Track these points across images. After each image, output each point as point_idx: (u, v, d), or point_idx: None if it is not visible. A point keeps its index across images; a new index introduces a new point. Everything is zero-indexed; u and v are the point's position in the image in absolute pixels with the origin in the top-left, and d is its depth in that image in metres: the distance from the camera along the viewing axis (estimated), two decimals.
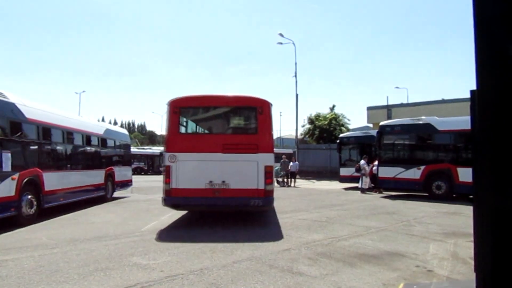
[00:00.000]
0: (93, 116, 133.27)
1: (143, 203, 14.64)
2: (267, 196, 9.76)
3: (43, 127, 11.23)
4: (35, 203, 10.48)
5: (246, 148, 10.06)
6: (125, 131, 19.45)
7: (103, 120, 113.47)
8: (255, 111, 10.33)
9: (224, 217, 10.65)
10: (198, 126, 11.24)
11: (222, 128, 10.87)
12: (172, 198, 9.79)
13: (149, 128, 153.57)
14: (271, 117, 10.16)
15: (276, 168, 24.28)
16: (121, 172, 17.45)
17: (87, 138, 14.30)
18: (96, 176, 14.83)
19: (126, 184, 18.21)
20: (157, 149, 49.75)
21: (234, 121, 11.14)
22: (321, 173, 33.24)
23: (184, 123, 10.72)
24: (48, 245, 7.61)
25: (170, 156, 9.97)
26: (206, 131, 11.04)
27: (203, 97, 10.63)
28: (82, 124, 14.19)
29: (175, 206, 9.94)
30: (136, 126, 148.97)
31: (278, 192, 17.03)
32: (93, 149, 14.88)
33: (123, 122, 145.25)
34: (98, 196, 14.94)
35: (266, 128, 10.20)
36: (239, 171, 9.92)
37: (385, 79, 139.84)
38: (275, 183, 18.00)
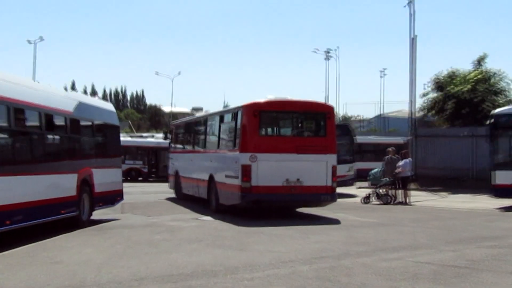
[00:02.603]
0: (56, 82, 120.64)
1: (142, 231, 13.62)
2: (334, 192, 15.50)
3: None
4: None
5: (317, 149, 15.42)
6: (109, 106, 18.39)
7: (73, 87, 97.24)
8: (324, 116, 15.85)
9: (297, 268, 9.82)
10: (274, 129, 16.92)
11: (295, 130, 16.50)
12: (253, 195, 14.75)
13: (150, 100, 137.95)
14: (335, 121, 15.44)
15: (375, 170, 22.31)
16: (105, 177, 16.31)
17: (47, 118, 13.19)
18: (62, 184, 13.62)
19: (113, 197, 17.18)
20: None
21: (306, 125, 16.78)
22: (458, 180, 28.51)
23: (263, 126, 15.98)
24: None
25: (251, 156, 14.82)
26: (281, 134, 16.75)
27: (279, 102, 16.15)
28: (38, 96, 12.97)
29: (256, 202, 15.05)
30: (128, 98, 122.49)
31: (378, 214, 17.56)
32: (56, 137, 13.96)
33: (107, 91, 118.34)
34: (67, 217, 13.84)
35: (332, 131, 15.77)
36: (311, 170, 15.21)
37: None
38: (372, 198, 21.04)
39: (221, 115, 18.22)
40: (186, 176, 21.44)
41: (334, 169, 15.37)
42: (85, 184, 14.84)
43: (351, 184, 25.74)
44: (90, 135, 15.84)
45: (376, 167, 22.67)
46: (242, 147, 15.10)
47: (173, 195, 23.23)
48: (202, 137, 20.59)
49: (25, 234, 12.32)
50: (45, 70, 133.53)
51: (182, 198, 21.82)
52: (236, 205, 15.81)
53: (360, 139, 33.62)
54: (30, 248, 11.14)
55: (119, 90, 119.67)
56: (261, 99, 16.22)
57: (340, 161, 25.58)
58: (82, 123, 15.18)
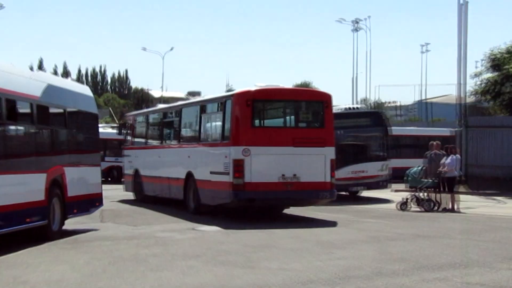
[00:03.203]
0: (19, 60, 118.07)
1: (126, 244, 13.66)
2: (333, 188, 17.01)
3: None
4: None
5: (315, 142, 16.87)
6: (86, 90, 18.56)
7: (40, 67, 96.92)
8: (322, 106, 17.34)
9: None
10: (269, 120, 18.13)
11: (292, 121, 17.99)
12: (246, 193, 15.93)
13: (136, 83, 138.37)
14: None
15: (414, 169, 22.29)
16: (80, 178, 16.68)
17: (7, 105, 13.12)
18: (26, 187, 13.78)
19: (90, 203, 17.35)
20: None
21: (303, 115, 18.24)
22: None
23: (256, 116, 17.20)
24: None
25: (244, 150, 16.01)
26: (276, 125, 17.94)
27: (273, 90, 17.93)
28: None
29: (250, 201, 16.37)
30: (108, 80, 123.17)
31: (418, 223, 17.56)
32: (19, 128, 14.01)
33: (82, 71, 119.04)
34: (33, 227, 13.98)
35: (331, 122, 17.33)
36: (309, 165, 16.66)
37: None
38: (411, 204, 21.12)
39: (202, 105, 19.18)
40: (151, 175, 22.06)
41: (332, 163, 17.05)
42: (56, 186, 14.88)
43: (385, 187, 25.85)
44: (61, 126, 15.86)
45: (415, 165, 22.69)
46: (234, 140, 16.35)
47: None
48: (175, 130, 21.34)
49: None
50: (4, 45, 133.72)
51: (145, 201, 22.58)
52: (225, 205, 17.04)
53: (396, 130, 33.57)
54: None
55: (97, 70, 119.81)
56: (252, 87, 17.78)
57: (370, 158, 25.80)
58: (52, 110, 15.23)
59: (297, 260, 11.05)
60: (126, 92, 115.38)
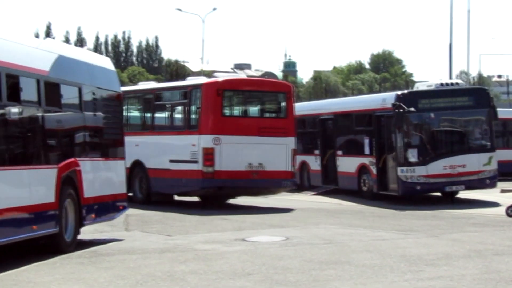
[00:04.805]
0: (23, 25, 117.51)
1: (158, 259, 13.76)
2: (294, 177, 22.84)
3: None
4: None
5: (279, 132, 22.09)
6: (106, 62, 18.84)
7: (48, 33, 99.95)
8: (284, 96, 22.79)
9: None
10: (236, 109, 23.68)
11: (257, 111, 24.02)
12: (216, 181, 20.70)
13: (168, 54, 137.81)
14: None
15: None
16: (100, 174, 16.97)
17: (9, 82, 13.19)
18: (32, 186, 13.93)
19: (113, 206, 17.64)
20: None
21: (267, 105, 24.25)
22: None
23: (225, 106, 22.20)
24: None
25: (214, 139, 20.65)
26: (243, 115, 23.65)
27: (240, 80, 24.13)
28: None
29: (219, 189, 21.22)
30: (134, 50, 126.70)
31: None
32: (24, 111, 13.85)
33: (101, 39, 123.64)
34: (41, 236, 14.03)
35: (292, 112, 22.71)
36: (273, 154, 21.73)
37: None
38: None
39: (157, 94, 23.96)
40: None
41: (294, 153, 22.59)
42: (69, 184, 14.96)
43: (492, 186, 25.61)
44: (76, 108, 15.92)
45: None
46: (203, 129, 20.74)
47: None
48: (127, 116, 25.04)
49: None
50: (4, 6, 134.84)
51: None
52: (190, 193, 22.49)
53: (503, 112, 33.08)
54: None
55: (119, 37, 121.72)
56: (219, 78, 23.34)
57: (472, 149, 25.42)
58: (64, 88, 15.28)
59: (377, 280, 11.02)
60: (156, 65, 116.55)
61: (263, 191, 23.75)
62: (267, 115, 24.20)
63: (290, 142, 22.43)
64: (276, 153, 21.90)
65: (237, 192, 23.42)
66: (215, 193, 21.47)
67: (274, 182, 22.26)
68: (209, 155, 20.50)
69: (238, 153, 21.27)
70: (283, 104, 23.08)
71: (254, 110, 24.41)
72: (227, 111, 22.63)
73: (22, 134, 13.86)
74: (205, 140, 19.88)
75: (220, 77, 23.13)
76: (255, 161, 21.58)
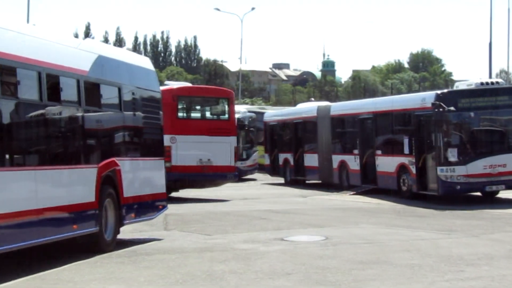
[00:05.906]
0: (62, 25, 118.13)
1: (198, 258, 13.83)
2: (235, 171, 28.81)
3: None
4: None
5: (224, 132, 27.57)
6: (145, 62, 19.07)
7: (87, 34, 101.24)
8: (228, 101, 28.82)
9: None
10: (188, 113, 29.33)
11: (206, 114, 29.97)
12: (173, 174, 24.66)
13: (207, 53, 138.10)
14: None
15: None
16: (139, 174, 17.21)
17: (49, 82, 13.32)
18: (72, 185, 14.15)
19: (152, 205, 17.84)
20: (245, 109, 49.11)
21: (214, 109, 29.67)
22: None
23: (179, 110, 27.90)
24: None
25: (171, 138, 25.38)
26: (194, 117, 29.35)
27: (191, 88, 32.08)
28: (34, 47, 13.15)
29: (175, 181, 25.50)
30: (172, 50, 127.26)
31: None
32: (64, 111, 13.98)
33: (140, 39, 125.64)
34: (81, 235, 14.26)
35: (233, 115, 29.06)
36: (219, 151, 26.90)
37: None
38: None
39: None
40: None
41: (235, 150, 28.12)
42: (109, 184, 15.13)
43: None
44: (115, 108, 16.13)
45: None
46: (165, 130, 22.34)
47: None
48: None
49: (18, 261, 12.60)
50: (43, 7, 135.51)
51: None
52: None
53: None
54: (24, 283, 11.26)
55: (158, 37, 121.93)
56: (173, 85, 29.11)
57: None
58: (104, 88, 15.48)
59: (417, 280, 10.95)
60: (195, 64, 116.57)
61: (212, 183, 28.90)
62: (214, 117, 29.39)
63: (233, 140, 27.92)
64: (221, 150, 26.96)
65: (189, 184, 28.07)
66: (169, 186, 22.62)
67: (220, 175, 27.54)
68: (167, 152, 23.14)
69: (190, 150, 26.29)
70: (226, 108, 28.71)
71: (203, 113, 30.22)
72: (181, 114, 28.04)
73: (62, 134, 13.99)
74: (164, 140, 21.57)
75: (175, 85, 29.26)
76: (205, 157, 26.65)
